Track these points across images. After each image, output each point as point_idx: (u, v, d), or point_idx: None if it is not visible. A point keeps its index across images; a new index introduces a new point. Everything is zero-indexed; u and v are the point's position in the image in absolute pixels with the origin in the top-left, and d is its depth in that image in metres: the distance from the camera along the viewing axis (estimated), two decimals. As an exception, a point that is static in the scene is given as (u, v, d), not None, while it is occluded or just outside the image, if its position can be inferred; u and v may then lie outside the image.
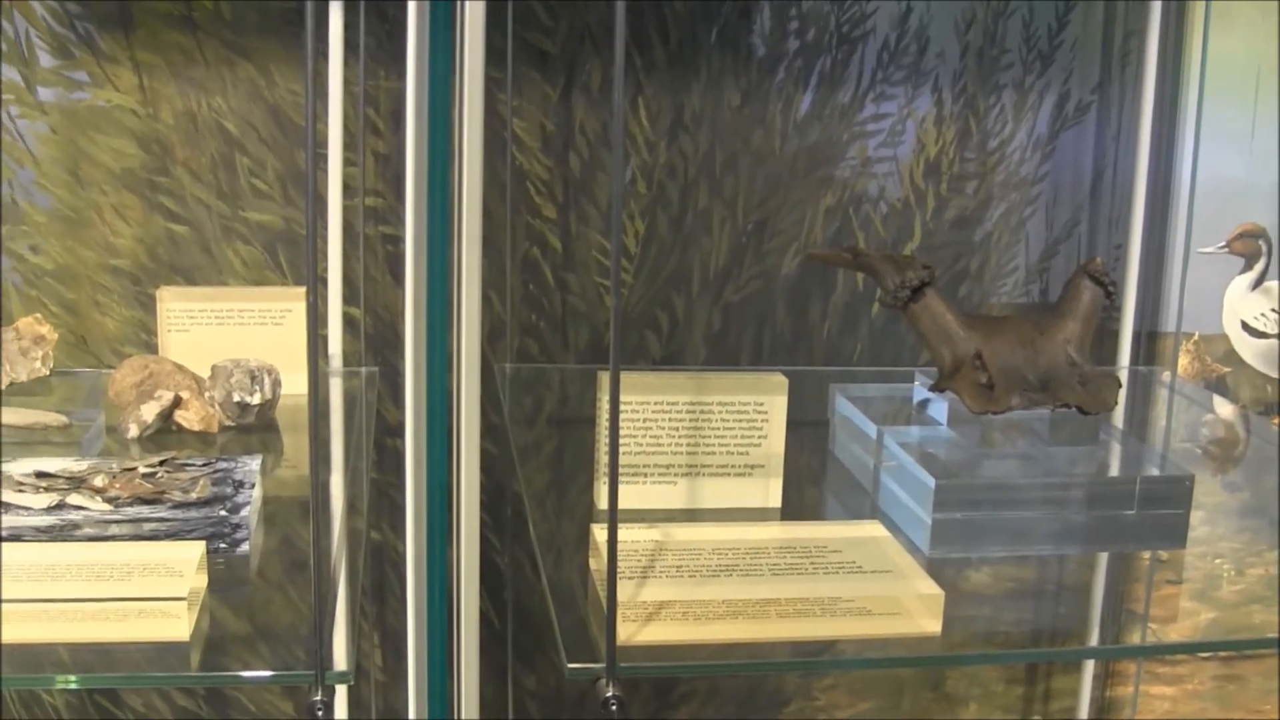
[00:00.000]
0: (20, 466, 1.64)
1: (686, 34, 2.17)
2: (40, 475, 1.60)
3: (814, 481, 1.82)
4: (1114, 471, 1.78)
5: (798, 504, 1.69)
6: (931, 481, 1.57)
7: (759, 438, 1.64)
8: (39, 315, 2.05)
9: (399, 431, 2.24)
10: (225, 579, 1.47)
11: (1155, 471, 1.79)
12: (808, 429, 1.87)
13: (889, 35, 2.21)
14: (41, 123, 2.14)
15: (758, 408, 1.63)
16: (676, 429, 1.62)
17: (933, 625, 1.38)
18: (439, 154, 1.36)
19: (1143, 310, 2.31)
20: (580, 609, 1.43)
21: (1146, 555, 1.73)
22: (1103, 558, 1.68)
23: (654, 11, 2.15)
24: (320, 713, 1.28)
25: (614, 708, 1.28)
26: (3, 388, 1.98)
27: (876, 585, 1.40)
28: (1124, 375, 2.21)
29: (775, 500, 1.66)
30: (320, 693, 1.28)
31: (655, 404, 1.61)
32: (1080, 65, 2.28)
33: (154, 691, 2.35)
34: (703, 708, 2.44)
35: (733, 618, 1.36)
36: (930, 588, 1.39)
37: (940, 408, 1.79)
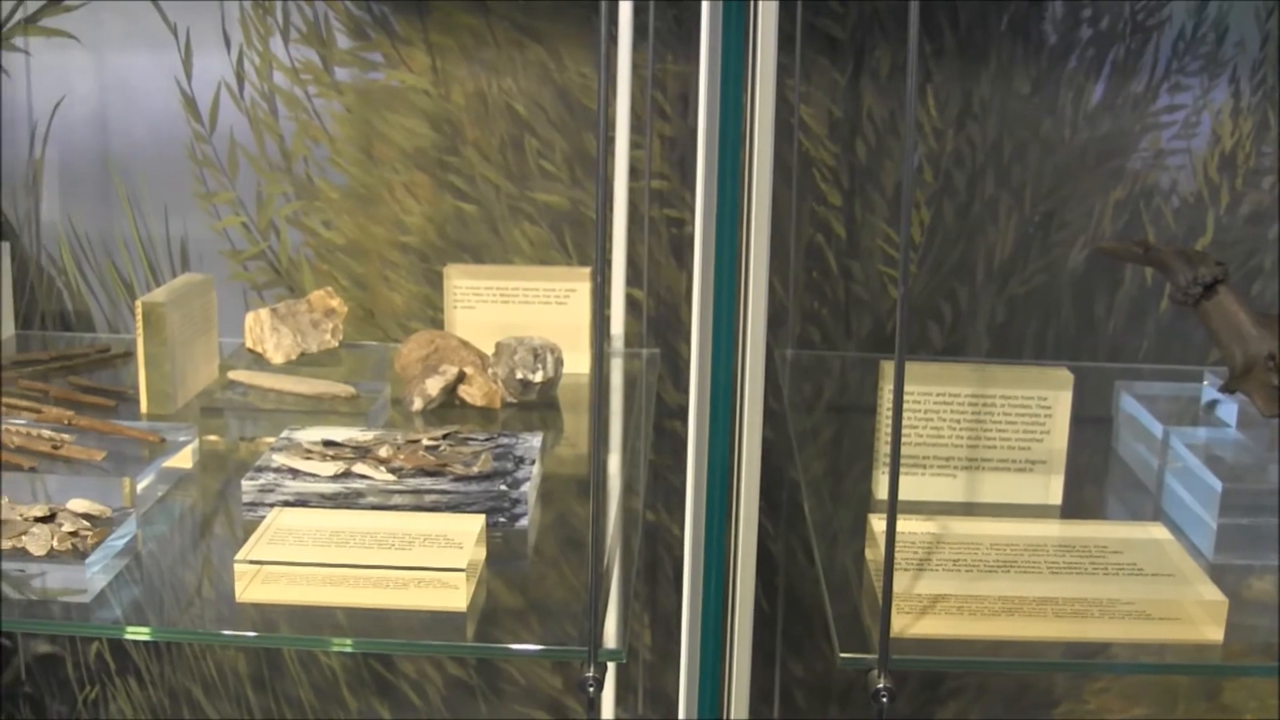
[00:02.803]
0: (309, 435, 1.68)
1: (977, 21, 2.14)
2: (328, 444, 1.65)
3: (1096, 480, 1.78)
4: None
5: (1078, 502, 1.66)
6: (1219, 485, 1.53)
7: (1041, 433, 1.61)
8: (330, 289, 2.11)
9: (678, 414, 2.25)
10: (503, 552, 1.49)
11: None
12: (1091, 426, 1.83)
13: (1185, 24, 2.15)
14: (337, 102, 2.19)
15: (1041, 403, 1.61)
16: (958, 421, 1.60)
17: (1214, 633, 1.34)
18: (730, 140, 1.36)
19: None
20: (854, 599, 1.42)
21: None
22: (1397, 571, 1.62)
23: (946, -2, 2.14)
24: (591, 689, 1.29)
25: (884, 700, 1.27)
26: (294, 358, 2.04)
27: (1157, 589, 1.37)
28: None
29: (1056, 497, 1.63)
30: (592, 669, 1.29)
31: (937, 395, 1.60)
32: (1390, 56, 2.20)
33: (427, 659, 2.40)
34: (970, 704, 2.41)
35: (1008, 615, 1.34)
36: (1213, 594, 1.36)
37: (1229, 409, 1.74)
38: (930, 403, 1.60)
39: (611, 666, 1.84)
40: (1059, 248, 2.22)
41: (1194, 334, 2.24)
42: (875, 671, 1.28)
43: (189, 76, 2.21)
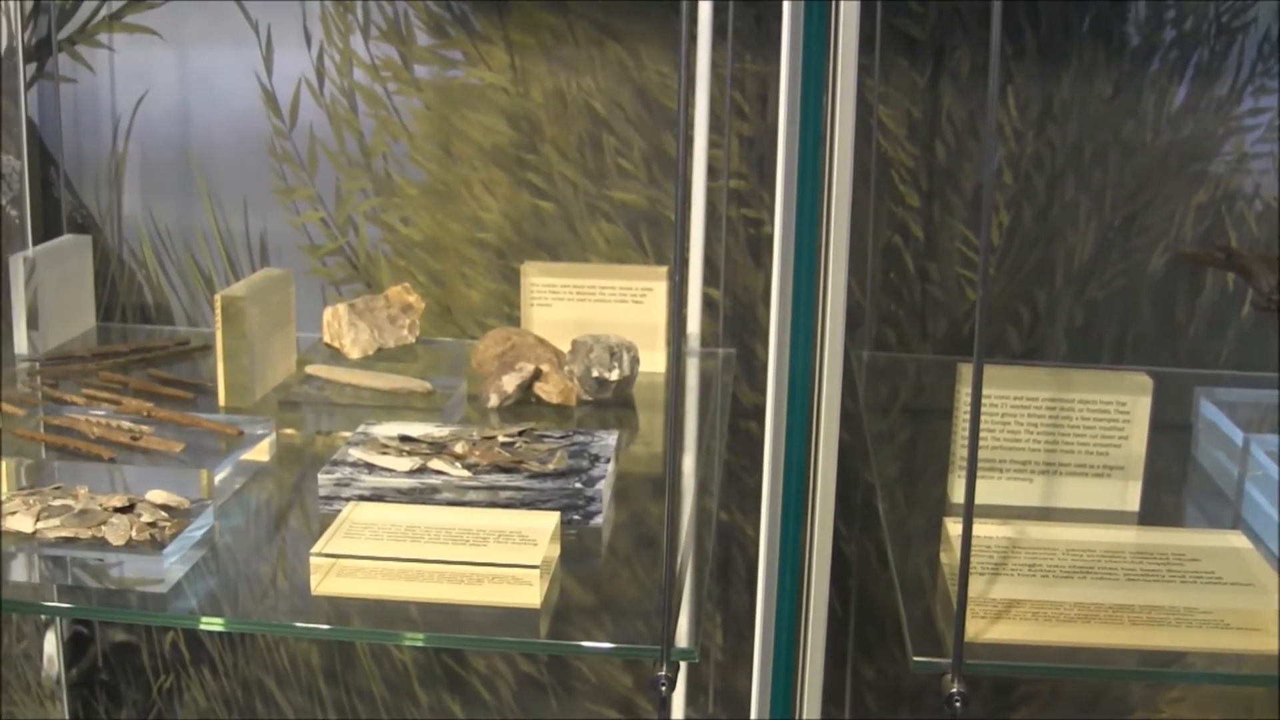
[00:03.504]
0: (385, 430, 1.69)
1: (1058, 22, 2.12)
2: (404, 439, 1.65)
3: (1174, 487, 1.77)
4: None
5: (1156, 509, 1.65)
6: (1300, 493, 1.52)
7: (1119, 439, 1.60)
8: (407, 285, 2.12)
9: (753, 414, 2.25)
10: (577, 550, 1.49)
11: None
12: (1169, 432, 1.81)
13: (1271, 26, 2.13)
14: (416, 99, 2.20)
15: (1120, 408, 1.59)
16: (1035, 425, 1.59)
17: (1294, 643, 1.33)
18: (810, 141, 1.36)
19: None
20: (928, 602, 1.42)
21: None
22: None
23: (1027, -1, 2.12)
24: (663, 688, 1.29)
25: (958, 704, 1.26)
26: (371, 353, 2.05)
27: (1235, 598, 1.35)
28: None
29: (1133, 504, 1.62)
30: (665, 668, 1.29)
31: (1015, 399, 1.59)
32: None
33: (498, 655, 2.40)
34: (1043, 710, 2.40)
35: (1083, 621, 1.33)
36: (1294, 604, 1.34)
37: (1313, 417, 1.72)
38: (1007, 406, 1.59)
39: (683, 666, 1.84)
40: (1139, 252, 2.20)
41: (1276, 340, 2.22)
42: (949, 675, 1.27)
43: (270, 73, 2.22)
